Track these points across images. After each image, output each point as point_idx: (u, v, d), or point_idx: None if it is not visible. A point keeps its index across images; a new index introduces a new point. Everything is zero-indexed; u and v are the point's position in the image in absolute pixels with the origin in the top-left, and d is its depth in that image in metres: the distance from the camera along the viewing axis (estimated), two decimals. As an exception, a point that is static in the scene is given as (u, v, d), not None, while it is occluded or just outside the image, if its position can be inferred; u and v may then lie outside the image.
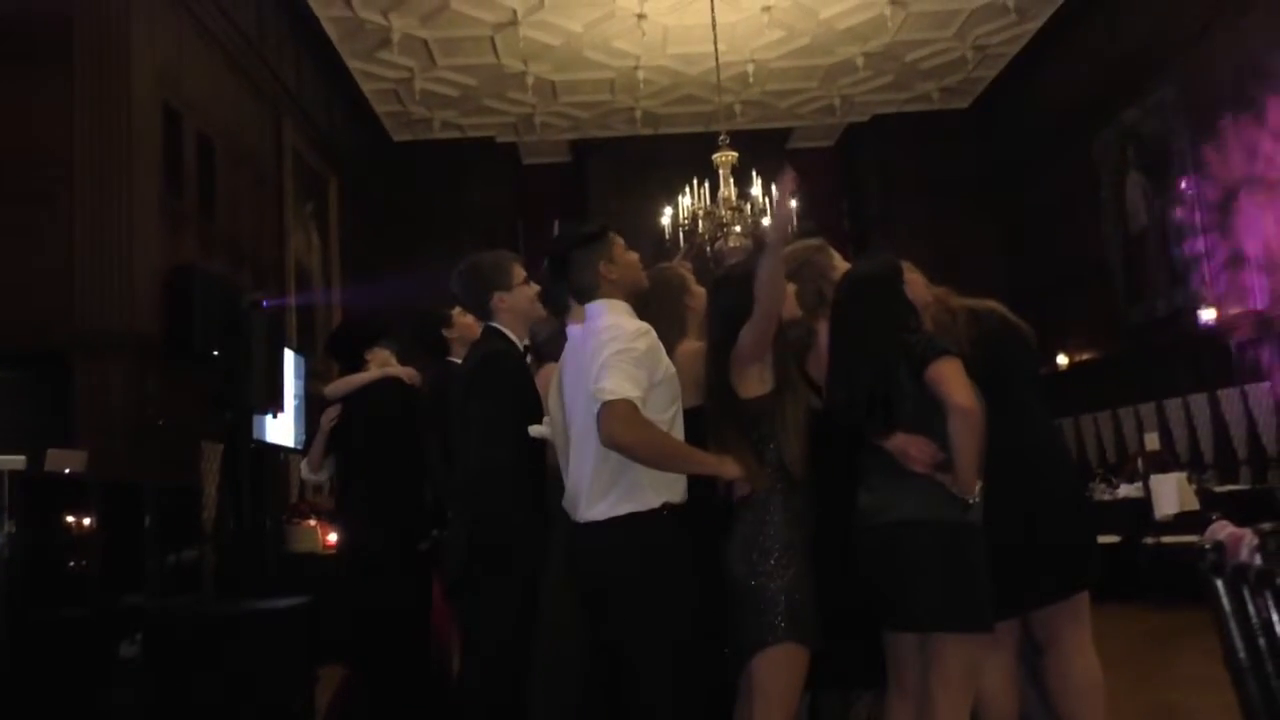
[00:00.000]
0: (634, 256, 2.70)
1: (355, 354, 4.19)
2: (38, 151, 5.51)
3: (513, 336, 3.01)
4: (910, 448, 2.57)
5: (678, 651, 2.39)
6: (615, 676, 2.46)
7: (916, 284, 2.79)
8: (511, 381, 2.90)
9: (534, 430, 2.76)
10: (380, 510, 3.88)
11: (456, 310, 3.67)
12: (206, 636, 4.50)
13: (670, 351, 2.81)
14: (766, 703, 2.47)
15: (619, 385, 2.38)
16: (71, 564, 4.38)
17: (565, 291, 2.69)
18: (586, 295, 2.63)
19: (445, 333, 3.83)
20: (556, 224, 2.79)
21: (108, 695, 4.44)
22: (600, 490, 2.48)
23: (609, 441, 2.38)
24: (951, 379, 2.54)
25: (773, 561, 2.48)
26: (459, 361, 3.45)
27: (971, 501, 2.53)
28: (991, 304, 3.14)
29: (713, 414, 2.61)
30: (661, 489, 2.47)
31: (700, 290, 2.99)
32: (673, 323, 2.92)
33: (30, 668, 3.90)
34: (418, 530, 3.83)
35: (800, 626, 2.45)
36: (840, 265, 3.08)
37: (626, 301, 2.64)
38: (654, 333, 2.54)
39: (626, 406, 2.37)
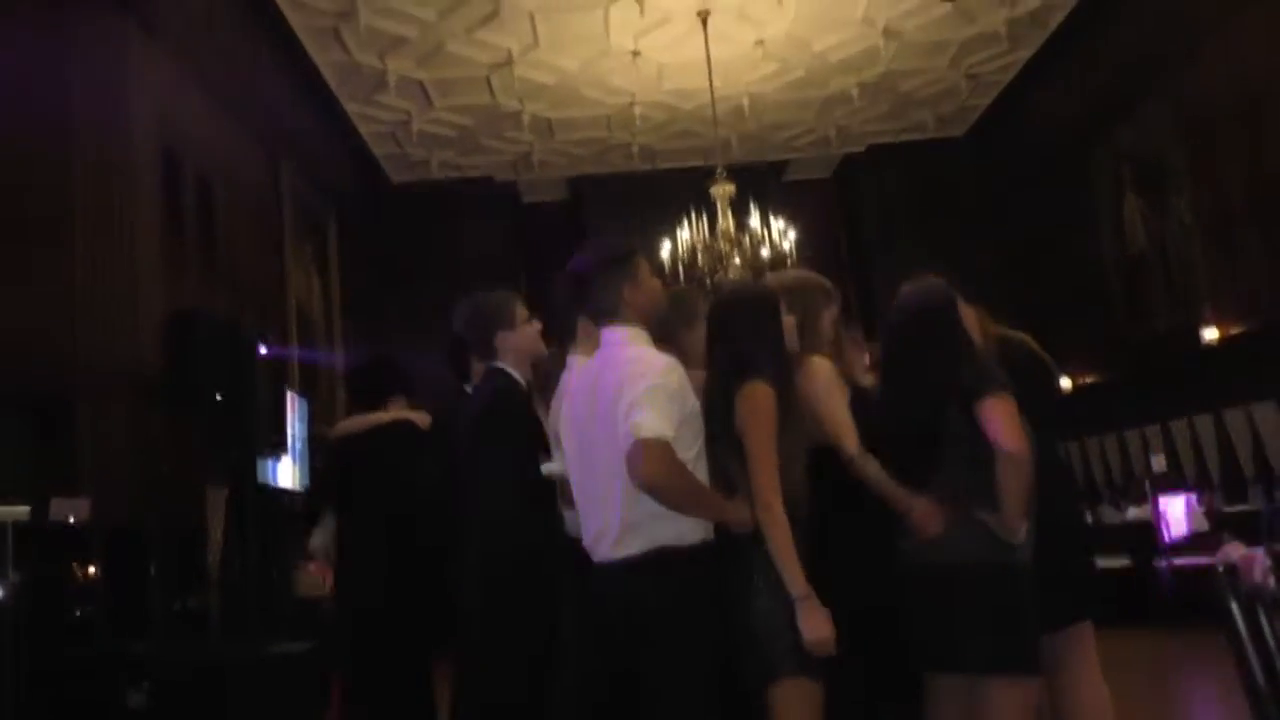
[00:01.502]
0: (657, 283, 2.65)
1: (379, 395, 4.14)
2: (36, 192, 5.53)
3: (516, 375, 3.01)
4: (927, 522, 2.57)
5: (709, 688, 2.36)
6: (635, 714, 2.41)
7: (968, 315, 2.78)
8: (519, 423, 2.88)
9: (545, 468, 2.72)
10: (385, 559, 3.84)
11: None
12: (214, 683, 4.47)
13: None
14: None
15: (654, 423, 2.32)
16: (76, 612, 4.36)
17: (575, 316, 2.66)
18: (606, 318, 2.56)
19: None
20: (582, 249, 2.69)
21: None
22: (631, 526, 2.41)
23: (644, 482, 2.31)
24: (1003, 418, 2.52)
25: (775, 598, 2.44)
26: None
27: (1017, 543, 2.51)
28: (1022, 335, 3.15)
29: (716, 446, 2.56)
30: (696, 527, 2.43)
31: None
32: (681, 350, 2.90)
33: (38, 717, 3.87)
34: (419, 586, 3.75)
35: (806, 660, 2.42)
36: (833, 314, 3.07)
37: (644, 329, 2.58)
38: (681, 367, 2.49)
39: (663, 448, 2.31)
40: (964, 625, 2.49)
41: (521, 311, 3.07)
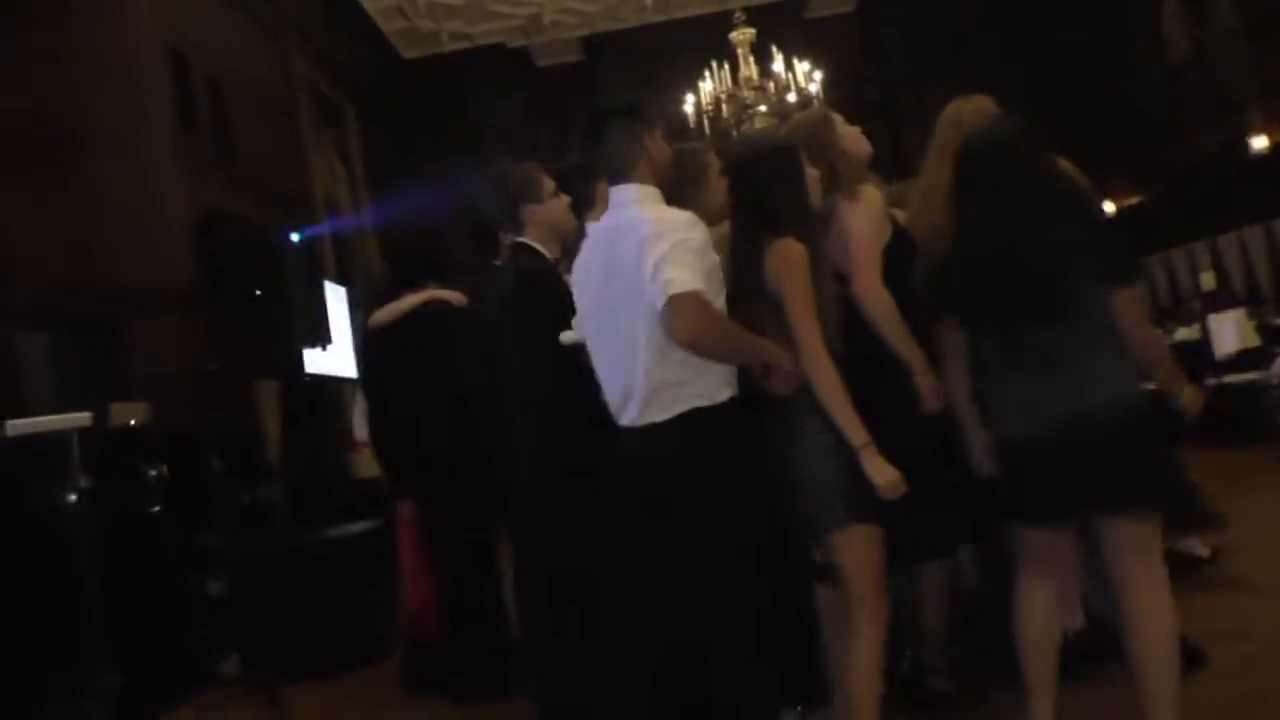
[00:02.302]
0: (667, 146, 2.55)
1: (418, 278, 4.10)
2: (45, 114, 5.48)
3: (544, 250, 2.95)
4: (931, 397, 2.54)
5: (747, 545, 2.38)
6: (679, 588, 2.43)
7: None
8: (551, 296, 2.82)
9: (564, 337, 2.69)
10: (423, 443, 3.91)
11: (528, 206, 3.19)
12: (285, 568, 4.66)
13: None
14: (850, 582, 2.47)
15: (685, 277, 2.26)
16: (148, 511, 4.52)
17: (591, 184, 2.59)
18: (622, 172, 2.47)
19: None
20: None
21: (198, 630, 4.64)
22: (659, 389, 2.39)
23: (685, 337, 2.27)
24: (1137, 313, 2.42)
25: (818, 450, 2.43)
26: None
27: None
28: (1061, 164, 3.00)
29: (744, 302, 2.50)
30: (723, 385, 2.41)
31: (722, 183, 2.81)
32: (695, 206, 2.83)
33: (123, 612, 4.07)
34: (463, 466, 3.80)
35: (859, 507, 2.43)
36: (848, 134, 2.96)
37: (658, 188, 2.49)
38: (702, 223, 2.42)
39: (698, 300, 2.27)
40: (1150, 461, 2.39)
41: (549, 184, 2.99)
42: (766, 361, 2.44)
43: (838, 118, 2.99)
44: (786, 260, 2.44)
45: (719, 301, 2.43)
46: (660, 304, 2.29)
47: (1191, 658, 2.89)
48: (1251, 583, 3.83)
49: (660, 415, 2.40)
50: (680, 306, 2.27)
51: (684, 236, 2.34)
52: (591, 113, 2.57)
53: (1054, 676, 2.54)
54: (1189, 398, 2.54)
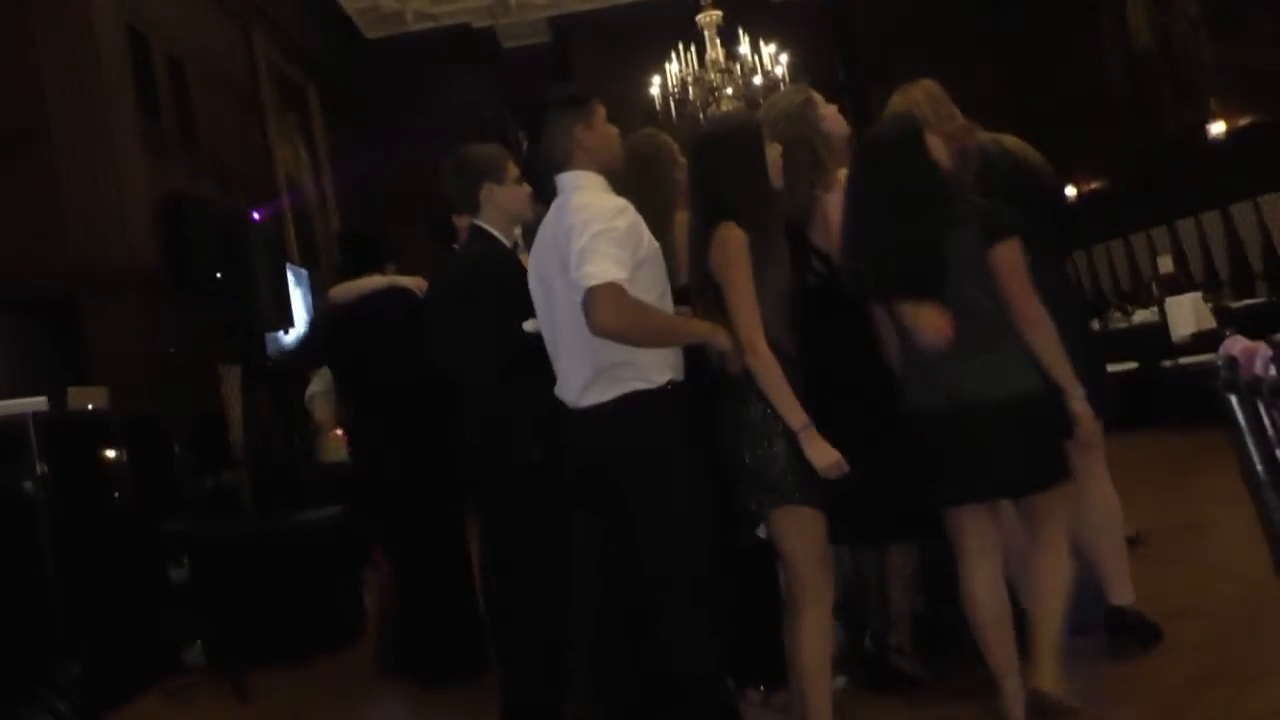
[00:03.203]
0: (614, 130, 2.55)
1: (373, 260, 4.13)
2: (3, 93, 5.38)
3: (499, 235, 2.93)
4: (931, 320, 2.54)
5: (687, 523, 2.40)
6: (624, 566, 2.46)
7: (936, 145, 2.68)
8: (502, 285, 2.81)
9: (528, 325, 2.69)
10: (392, 428, 3.90)
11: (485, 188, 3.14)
12: (251, 554, 4.62)
13: (665, 225, 2.74)
14: (790, 565, 2.51)
15: (602, 269, 2.28)
16: (108, 497, 4.46)
17: (548, 176, 2.59)
18: (559, 164, 2.49)
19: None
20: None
21: (161, 617, 4.60)
22: (598, 373, 2.41)
23: (599, 330, 2.30)
24: (1017, 271, 2.53)
25: (765, 437, 2.45)
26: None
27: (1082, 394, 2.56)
28: (1009, 141, 3.04)
29: (695, 288, 2.54)
30: (664, 368, 2.43)
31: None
32: (664, 195, 2.84)
33: (85, 599, 4.03)
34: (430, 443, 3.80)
35: (802, 492, 2.45)
36: (828, 114, 2.97)
37: (602, 175, 2.50)
38: (633, 209, 2.43)
39: (612, 290, 2.28)
40: (1041, 448, 2.54)
41: (512, 169, 2.97)
42: (698, 342, 2.47)
43: (817, 97, 3.00)
44: (724, 248, 2.46)
45: (659, 288, 2.45)
46: (578, 297, 2.31)
47: (1145, 634, 2.97)
48: (1205, 561, 3.92)
49: (601, 398, 2.43)
50: (596, 299, 2.28)
51: (607, 226, 2.34)
52: (533, 105, 2.58)
53: (1015, 654, 2.60)
54: (1082, 410, 2.55)
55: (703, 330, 2.46)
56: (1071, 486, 2.64)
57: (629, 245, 2.36)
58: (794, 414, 2.40)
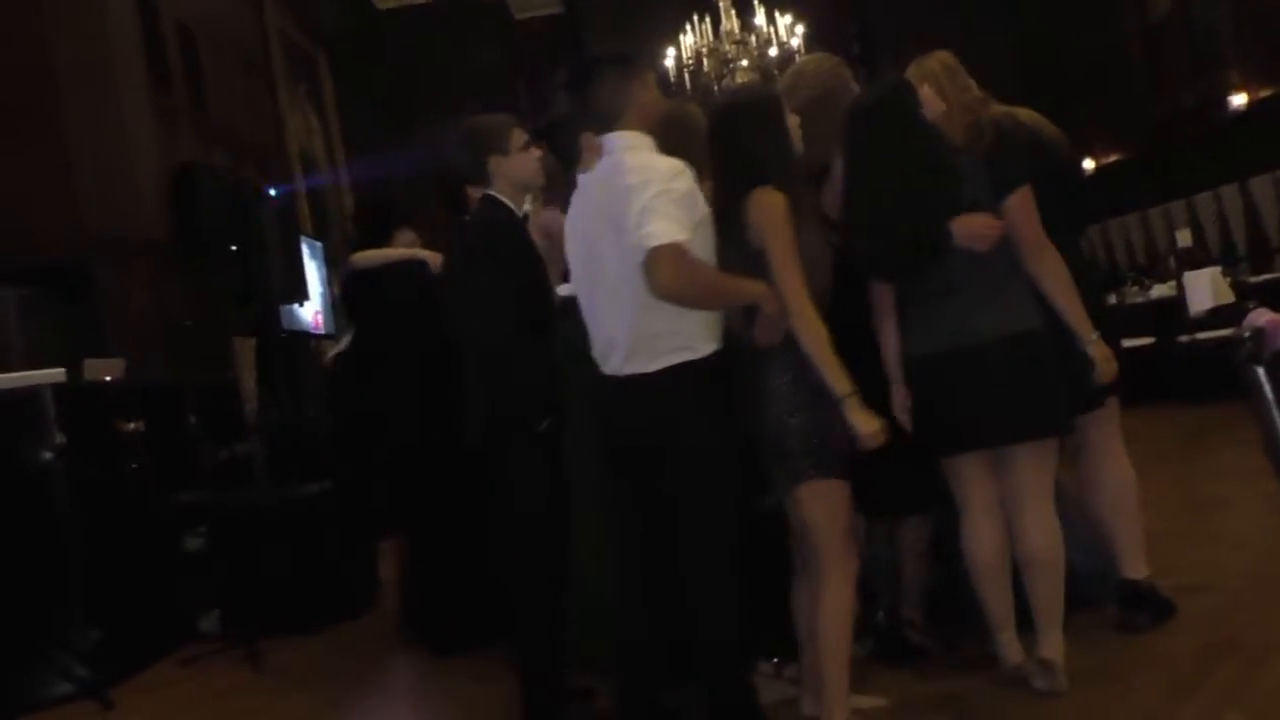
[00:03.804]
0: (661, 95, 2.55)
1: (386, 231, 4.15)
2: (12, 63, 5.35)
3: (511, 204, 2.91)
4: (976, 226, 2.53)
5: (725, 492, 2.40)
6: (659, 538, 2.46)
7: (930, 100, 2.67)
8: (512, 253, 2.80)
9: (562, 289, 2.67)
10: (407, 394, 3.91)
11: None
12: (265, 524, 4.66)
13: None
14: (815, 536, 2.50)
15: (665, 229, 2.25)
16: (124, 468, 4.49)
17: (575, 135, 2.56)
18: (611, 121, 2.44)
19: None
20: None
21: (178, 586, 4.64)
22: (645, 342, 2.38)
23: (661, 290, 2.27)
24: (1030, 220, 2.55)
25: (789, 405, 2.45)
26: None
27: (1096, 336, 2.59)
28: (1024, 114, 3.01)
29: (727, 257, 2.51)
30: (710, 338, 2.41)
31: None
32: (700, 165, 2.81)
33: (103, 568, 4.06)
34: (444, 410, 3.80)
35: (828, 464, 2.45)
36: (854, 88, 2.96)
37: (650, 136, 2.47)
38: (689, 170, 2.40)
39: (675, 250, 2.25)
40: (1048, 389, 2.54)
41: (518, 136, 2.95)
42: (753, 302, 2.43)
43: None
44: (767, 212, 2.43)
45: (706, 253, 2.41)
46: (640, 258, 2.28)
47: (1158, 609, 2.96)
48: (1220, 535, 3.90)
49: (645, 367, 2.40)
50: (659, 258, 2.26)
51: (667, 186, 2.31)
52: (577, 63, 2.54)
53: (1010, 608, 2.64)
54: (1099, 352, 2.59)
55: (757, 290, 2.40)
56: (1051, 450, 2.65)
57: (687, 206, 2.34)
58: (840, 380, 2.38)
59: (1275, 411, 1.41)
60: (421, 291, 3.91)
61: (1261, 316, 1.51)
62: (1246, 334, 1.48)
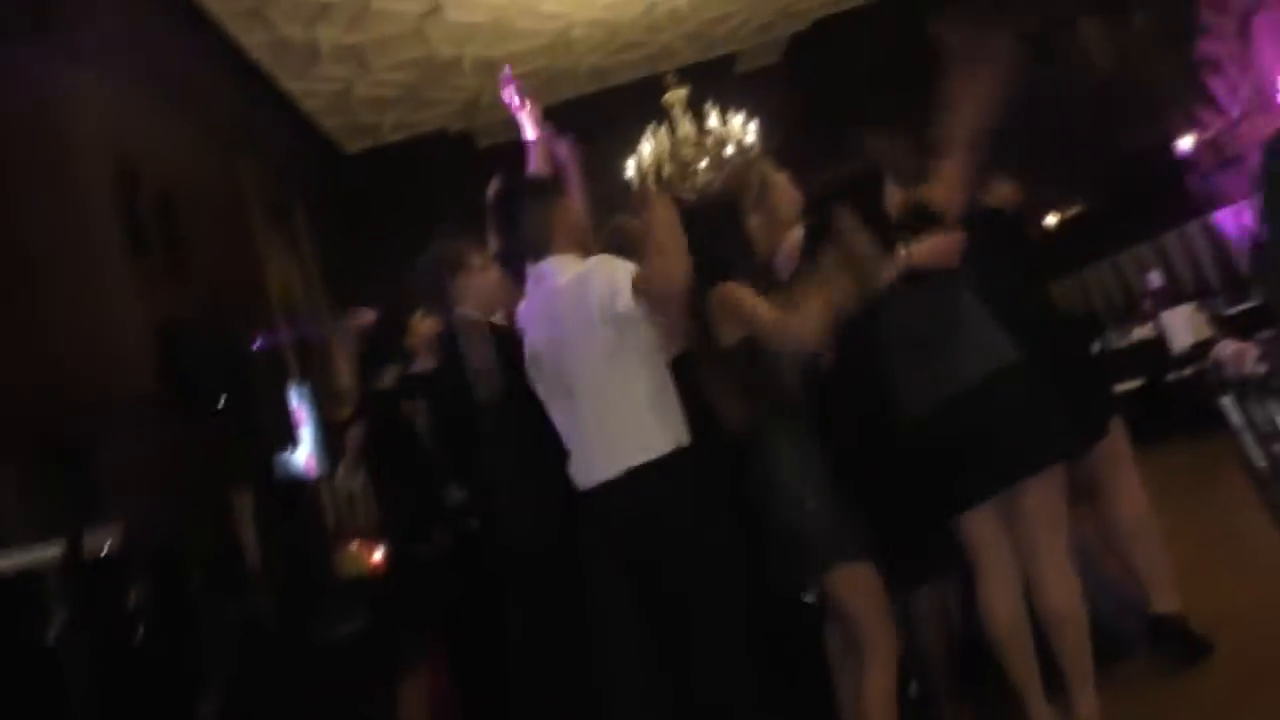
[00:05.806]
0: (580, 209, 2.66)
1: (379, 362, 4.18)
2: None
3: (480, 318, 2.95)
4: (936, 246, 2.56)
5: (739, 593, 2.39)
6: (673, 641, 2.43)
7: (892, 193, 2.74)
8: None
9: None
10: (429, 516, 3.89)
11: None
12: (277, 680, 4.57)
13: None
14: (854, 623, 2.50)
15: (626, 274, 2.38)
16: (130, 639, 4.42)
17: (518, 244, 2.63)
18: (540, 249, 2.54)
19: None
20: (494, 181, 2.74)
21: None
22: (607, 444, 2.42)
23: (659, 282, 2.34)
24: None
25: (798, 497, 2.45)
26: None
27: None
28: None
29: (699, 359, 2.57)
30: (667, 434, 2.43)
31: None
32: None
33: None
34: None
35: (845, 548, 2.44)
36: (778, 181, 3.05)
37: (579, 254, 2.57)
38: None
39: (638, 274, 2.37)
40: (1042, 421, 2.53)
41: (477, 258, 3.01)
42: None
43: (768, 164, 3.10)
44: (721, 300, 2.53)
45: (665, 353, 2.49)
46: (622, 304, 2.35)
47: (1194, 647, 2.91)
48: (1234, 565, 3.87)
49: (607, 473, 2.42)
50: (638, 278, 2.37)
51: (611, 264, 2.44)
52: (497, 199, 2.63)
53: (1035, 668, 2.59)
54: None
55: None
56: (1059, 492, 2.62)
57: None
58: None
59: (1248, 436, 1.43)
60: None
61: (1226, 348, 1.54)
62: (1210, 365, 1.51)
